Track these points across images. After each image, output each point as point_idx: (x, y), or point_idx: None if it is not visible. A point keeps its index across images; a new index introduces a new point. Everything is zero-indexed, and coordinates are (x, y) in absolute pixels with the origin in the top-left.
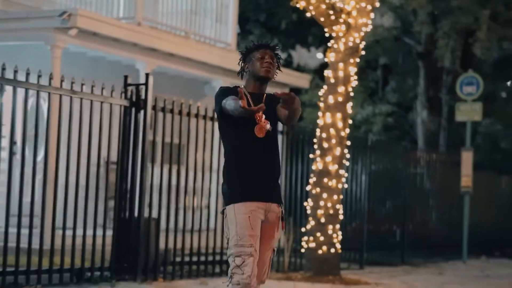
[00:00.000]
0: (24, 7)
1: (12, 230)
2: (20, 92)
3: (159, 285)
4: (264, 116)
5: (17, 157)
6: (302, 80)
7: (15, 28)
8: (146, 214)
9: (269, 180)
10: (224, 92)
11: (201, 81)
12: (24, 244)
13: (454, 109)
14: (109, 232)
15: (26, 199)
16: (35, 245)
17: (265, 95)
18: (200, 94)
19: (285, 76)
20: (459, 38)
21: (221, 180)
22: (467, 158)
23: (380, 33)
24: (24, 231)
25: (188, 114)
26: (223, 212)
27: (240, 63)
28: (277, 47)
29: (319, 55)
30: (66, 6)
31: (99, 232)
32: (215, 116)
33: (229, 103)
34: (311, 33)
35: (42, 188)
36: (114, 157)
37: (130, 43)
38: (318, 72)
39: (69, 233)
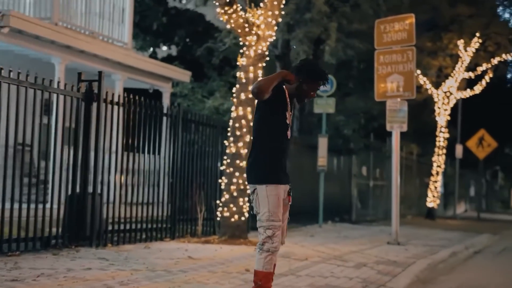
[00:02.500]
0: None
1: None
2: None
3: (111, 249)
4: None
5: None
6: (184, 76)
7: None
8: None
9: (286, 167)
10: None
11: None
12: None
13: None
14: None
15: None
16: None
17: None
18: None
19: (170, 72)
20: (311, 45)
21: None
22: (323, 142)
23: None
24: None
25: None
26: (253, 192)
27: (300, 67)
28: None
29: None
30: None
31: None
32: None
33: None
34: (177, 34)
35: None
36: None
37: (49, 41)
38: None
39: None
